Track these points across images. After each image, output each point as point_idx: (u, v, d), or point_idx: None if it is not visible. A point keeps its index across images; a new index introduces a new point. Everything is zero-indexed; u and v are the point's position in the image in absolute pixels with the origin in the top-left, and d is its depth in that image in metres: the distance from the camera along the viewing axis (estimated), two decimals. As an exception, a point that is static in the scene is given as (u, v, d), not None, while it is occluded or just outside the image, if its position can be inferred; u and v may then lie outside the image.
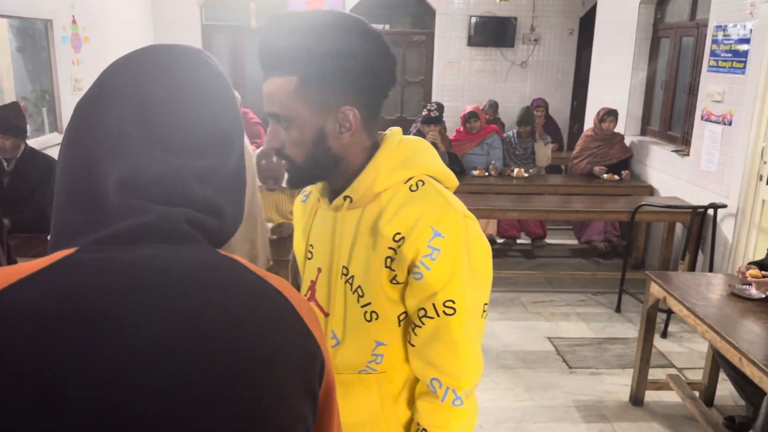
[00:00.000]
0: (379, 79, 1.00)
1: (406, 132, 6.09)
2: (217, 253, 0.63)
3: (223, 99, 0.67)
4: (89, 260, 0.56)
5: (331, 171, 1.04)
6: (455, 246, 0.98)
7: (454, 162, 5.19)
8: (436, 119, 5.06)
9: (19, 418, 0.48)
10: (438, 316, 0.99)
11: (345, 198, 1.04)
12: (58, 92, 4.79)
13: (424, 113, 5.14)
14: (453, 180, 1.10)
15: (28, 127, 3.54)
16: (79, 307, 0.52)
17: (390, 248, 1.00)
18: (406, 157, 1.04)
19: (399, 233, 0.99)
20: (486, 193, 4.93)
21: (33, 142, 3.93)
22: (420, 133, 5.24)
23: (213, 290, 0.59)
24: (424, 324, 1.01)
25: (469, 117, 5.32)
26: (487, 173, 5.24)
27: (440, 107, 5.22)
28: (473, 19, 7.36)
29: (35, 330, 0.50)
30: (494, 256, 5.47)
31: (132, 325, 0.53)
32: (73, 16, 4.96)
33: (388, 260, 1.00)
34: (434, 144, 5.09)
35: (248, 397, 0.56)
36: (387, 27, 7.70)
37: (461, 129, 5.45)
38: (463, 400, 1.03)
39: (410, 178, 1.03)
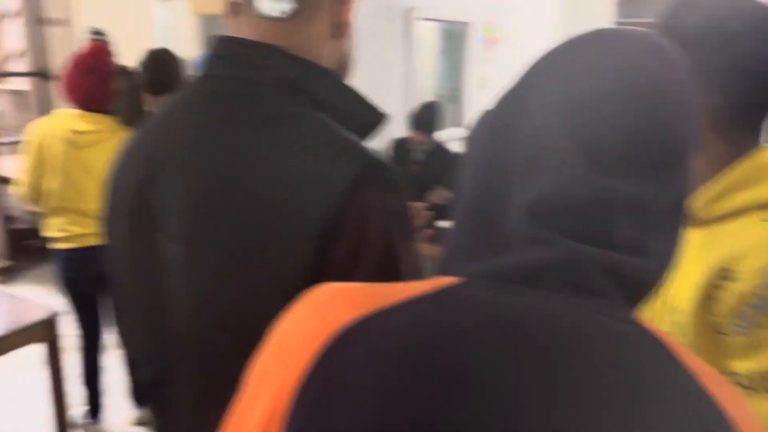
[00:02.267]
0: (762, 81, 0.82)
1: None
2: (635, 324, 0.46)
3: (679, 101, 0.49)
4: (471, 300, 0.47)
5: None
6: None
7: None
8: None
9: None
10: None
11: None
12: (464, 90, 5.16)
13: None
14: None
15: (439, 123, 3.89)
16: (442, 358, 0.43)
17: (712, 285, 0.81)
18: None
19: (727, 268, 0.80)
20: None
21: (439, 135, 4.29)
22: None
23: (617, 383, 0.42)
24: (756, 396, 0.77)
25: None
26: None
27: None
28: None
29: (387, 375, 0.43)
30: None
31: (498, 401, 0.41)
32: (489, 18, 5.25)
33: (708, 299, 0.81)
34: None
35: None
36: None
37: None
38: None
39: None
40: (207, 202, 0.73)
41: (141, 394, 2.64)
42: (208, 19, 4.71)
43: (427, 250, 0.92)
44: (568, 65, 0.50)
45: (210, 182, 0.73)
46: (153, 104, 2.80)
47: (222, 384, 0.63)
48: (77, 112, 2.42)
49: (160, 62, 2.82)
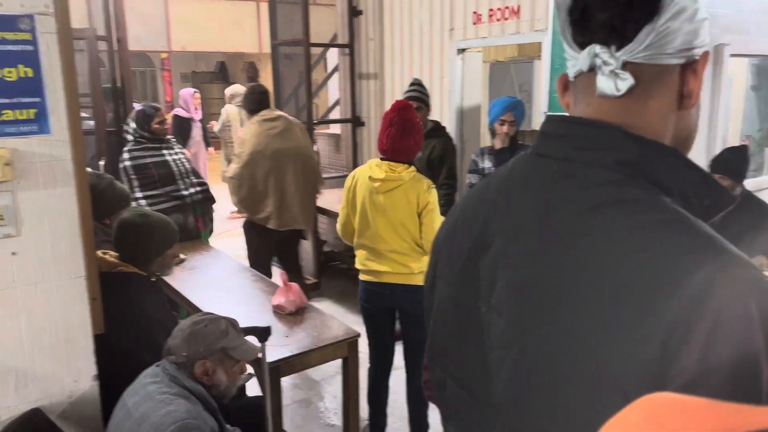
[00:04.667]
0: None
1: None
2: None
3: None
4: None
5: None
6: None
7: None
8: None
9: None
10: None
11: None
12: (784, 132, 4.46)
13: None
14: None
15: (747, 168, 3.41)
16: None
17: None
18: None
19: None
20: None
21: (747, 183, 3.75)
22: None
23: None
24: None
25: None
26: None
27: None
28: None
29: None
30: None
31: None
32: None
33: None
34: None
35: None
36: None
37: None
38: None
39: None
40: (533, 284, 0.71)
41: None
42: (494, 66, 4.90)
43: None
44: None
45: (539, 266, 0.71)
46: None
47: None
48: (377, 161, 2.68)
49: None
